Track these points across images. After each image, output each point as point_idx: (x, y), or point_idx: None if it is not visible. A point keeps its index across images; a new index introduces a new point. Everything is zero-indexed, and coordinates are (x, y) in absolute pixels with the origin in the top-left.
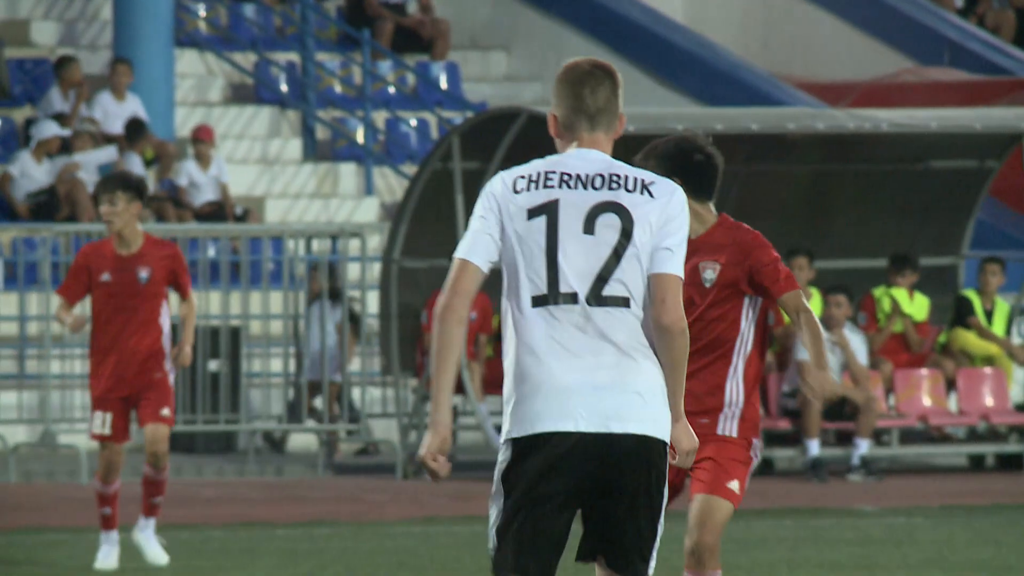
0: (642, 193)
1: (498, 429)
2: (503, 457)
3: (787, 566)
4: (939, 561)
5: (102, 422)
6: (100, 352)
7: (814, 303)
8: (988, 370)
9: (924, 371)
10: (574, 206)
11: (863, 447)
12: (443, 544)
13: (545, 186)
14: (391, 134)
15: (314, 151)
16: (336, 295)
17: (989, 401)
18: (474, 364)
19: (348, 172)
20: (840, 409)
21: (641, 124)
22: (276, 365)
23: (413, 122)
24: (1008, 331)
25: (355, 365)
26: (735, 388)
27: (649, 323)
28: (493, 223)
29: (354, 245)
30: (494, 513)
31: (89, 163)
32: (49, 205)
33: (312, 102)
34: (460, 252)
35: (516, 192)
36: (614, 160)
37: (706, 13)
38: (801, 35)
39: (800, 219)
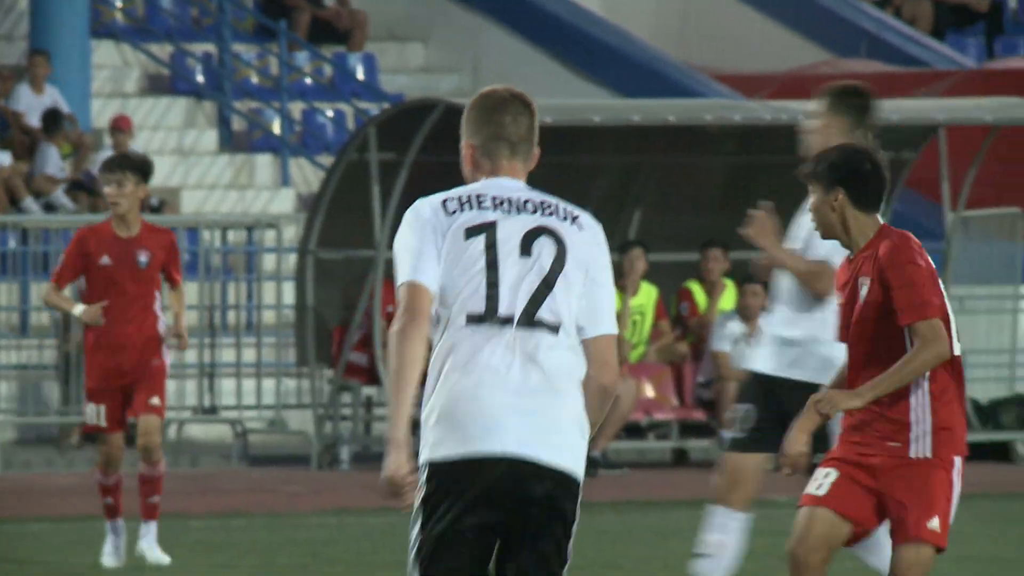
0: (572, 223)
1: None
2: (422, 482)
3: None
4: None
5: (96, 414)
6: (96, 339)
7: (729, 293)
8: None
9: None
10: (511, 228)
11: None
12: (358, 535)
13: (480, 207)
14: (307, 125)
15: (230, 142)
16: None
17: None
18: None
19: (264, 163)
20: None
21: (559, 116)
22: (191, 356)
23: (330, 113)
24: None
25: (268, 355)
26: (920, 404)
27: (575, 353)
28: (430, 243)
29: (270, 236)
30: (414, 538)
31: None
32: None
33: (228, 93)
34: (404, 275)
35: (449, 213)
36: (536, 190)
37: (622, 5)
38: (718, 27)
39: (717, 211)
